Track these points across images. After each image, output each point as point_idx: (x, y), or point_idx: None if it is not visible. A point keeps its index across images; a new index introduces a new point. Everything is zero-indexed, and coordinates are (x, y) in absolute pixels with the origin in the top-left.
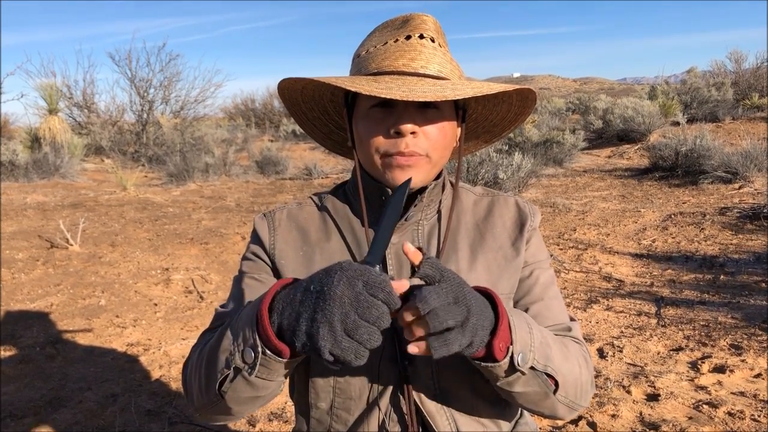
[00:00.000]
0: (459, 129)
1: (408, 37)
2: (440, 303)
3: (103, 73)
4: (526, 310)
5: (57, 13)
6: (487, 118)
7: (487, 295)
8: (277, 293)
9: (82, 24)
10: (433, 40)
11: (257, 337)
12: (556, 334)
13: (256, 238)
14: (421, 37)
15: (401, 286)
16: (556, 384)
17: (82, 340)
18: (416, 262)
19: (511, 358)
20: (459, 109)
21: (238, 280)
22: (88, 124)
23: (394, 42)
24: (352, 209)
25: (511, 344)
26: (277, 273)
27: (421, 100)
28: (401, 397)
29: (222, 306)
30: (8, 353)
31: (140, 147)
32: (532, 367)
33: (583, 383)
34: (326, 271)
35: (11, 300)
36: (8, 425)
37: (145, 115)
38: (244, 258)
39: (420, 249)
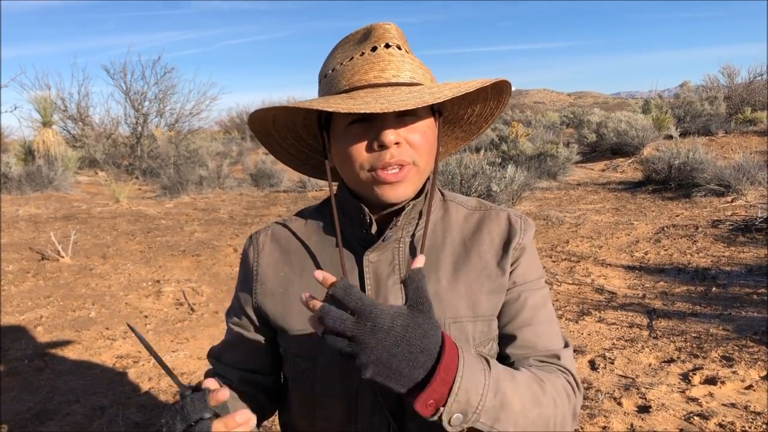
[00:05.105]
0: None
1: (374, 49)
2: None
3: (98, 86)
4: (515, 337)
5: (52, 27)
6: (462, 118)
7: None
8: None
9: (77, 38)
10: (399, 48)
11: None
12: (542, 362)
13: (244, 266)
14: (387, 46)
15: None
16: None
17: (71, 352)
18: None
19: (440, 417)
20: (435, 113)
21: (228, 331)
22: (82, 136)
23: (361, 56)
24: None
25: (443, 406)
26: (258, 308)
27: (401, 109)
28: None
29: (214, 356)
30: None
31: (134, 160)
32: (472, 428)
33: (559, 421)
34: None
35: (0, 312)
36: None
37: (139, 128)
38: (231, 306)
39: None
